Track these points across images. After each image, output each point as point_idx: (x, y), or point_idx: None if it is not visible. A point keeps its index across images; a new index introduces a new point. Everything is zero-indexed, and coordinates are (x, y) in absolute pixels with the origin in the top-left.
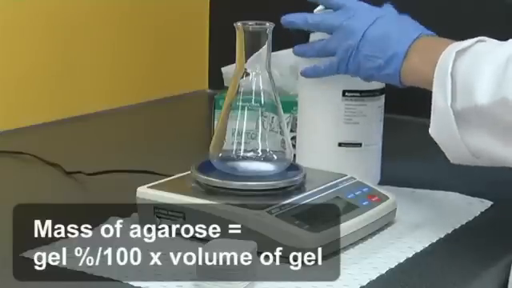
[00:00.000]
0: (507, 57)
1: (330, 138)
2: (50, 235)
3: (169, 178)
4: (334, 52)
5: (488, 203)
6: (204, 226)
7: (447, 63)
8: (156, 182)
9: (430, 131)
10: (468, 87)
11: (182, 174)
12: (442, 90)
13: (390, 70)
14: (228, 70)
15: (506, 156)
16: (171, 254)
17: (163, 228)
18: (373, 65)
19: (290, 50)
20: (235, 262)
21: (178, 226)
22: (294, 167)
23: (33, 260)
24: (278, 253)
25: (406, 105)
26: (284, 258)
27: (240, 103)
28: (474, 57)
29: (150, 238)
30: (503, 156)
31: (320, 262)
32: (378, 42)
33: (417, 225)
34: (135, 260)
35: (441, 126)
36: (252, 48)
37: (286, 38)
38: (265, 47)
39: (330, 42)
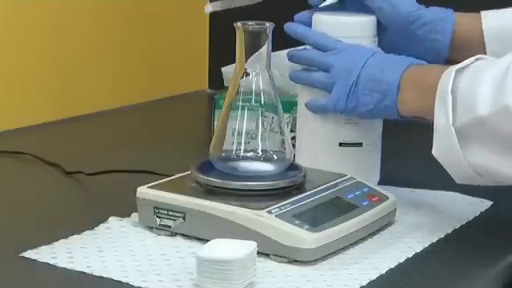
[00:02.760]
0: (507, 65)
1: (331, 138)
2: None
3: (169, 178)
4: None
5: (488, 203)
6: (204, 226)
7: (447, 82)
8: (156, 182)
9: (432, 152)
10: (468, 101)
11: (182, 174)
12: (443, 109)
13: (387, 101)
14: (228, 70)
15: (507, 172)
16: (171, 254)
17: (163, 228)
18: (370, 99)
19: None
20: (235, 262)
21: (177, 226)
22: (293, 167)
23: (33, 260)
24: (277, 253)
25: None
26: (284, 258)
27: (240, 103)
28: (473, 72)
29: (150, 237)
30: (505, 172)
31: (320, 262)
32: (373, 78)
33: (417, 225)
34: (135, 260)
35: (443, 146)
36: (252, 48)
37: (285, 38)
38: (265, 47)
39: (328, 77)
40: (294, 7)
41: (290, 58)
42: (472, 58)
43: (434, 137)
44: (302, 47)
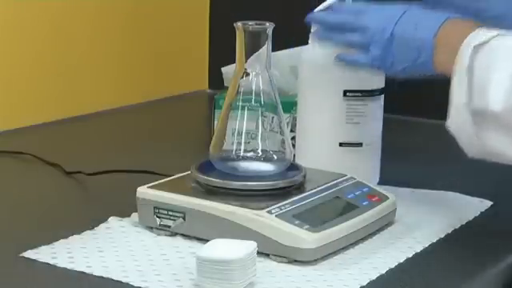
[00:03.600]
0: None
1: (331, 138)
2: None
3: (169, 178)
4: (362, 43)
5: (488, 203)
6: (204, 226)
7: (465, 58)
8: (156, 182)
9: (447, 123)
10: (483, 89)
11: (182, 174)
12: (460, 86)
13: (422, 58)
14: (228, 70)
15: None
16: (171, 254)
17: (163, 228)
18: (406, 57)
19: (289, 50)
20: (235, 262)
21: (177, 226)
22: (293, 167)
23: (33, 260)
24: (277, 253)
25: (406, 105)
26: (284, 258)
27: (240, 103)
28: (490, 53)
29: (150, 238)
30: None
31: (320, 262)
32: (406, 35)
33: (417, 225)
34: (135, 260)
35: (457, 121)
36: (252, 48)
37: (286, 38)
38: (265, 47)
39: (364, 37)
40: (293, 7)
41: (314, 20)
42: (494, 33)
43: (450, 109)
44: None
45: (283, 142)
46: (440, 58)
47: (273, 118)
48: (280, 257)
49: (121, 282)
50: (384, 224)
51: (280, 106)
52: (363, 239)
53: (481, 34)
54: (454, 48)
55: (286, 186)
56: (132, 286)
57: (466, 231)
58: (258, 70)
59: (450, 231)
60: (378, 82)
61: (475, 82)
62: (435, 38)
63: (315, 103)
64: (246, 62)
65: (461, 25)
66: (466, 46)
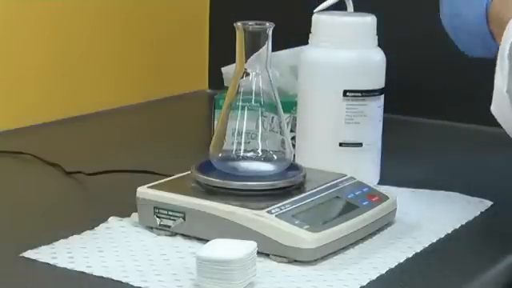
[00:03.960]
0: None
1: (331, 138)
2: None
3: (169, 178)
4: None
5: (488, 203)
6: (204, 226)
7: (506, 44)
8: (156, 182)
9: (491, 108)
10: None
11: (182, 174)
12: (501, 71)
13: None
14: (228, 70)
15: None
16: (171, 254)
17: (163, 228)
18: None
19: (289, 50)
20: (235, 262)
21: (177, 226)
22: (293, 167)
23: (33, 260)
24: (277, 253)
25: (406, 105)
26: (284, 258)
27: (240, 103)
28: None
29: (150, 237)
30: None
31: (320, 262)
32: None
33: (417, 225)
34: (135, 260)
35: (499, 106)
36: (252, 48)
37: (286, 38)
38: (265, 47)
39: None
40: (293, 7)
41: None
42: None
43: (494, 94)
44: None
45: (283, 142)
46: (495, 32)
47: (273, 118)
48: (280, 257)
49: (121, 282)
50: (384, 224)
51: (280, 106)
52: (363, 239)
53: None
54: (504, 25)
55: (285, 186)
56: (132, 286)
57: (466, 231)
58: (258, 70)
59: (450, 231)
60: (378, 82)
61: None
62: (487, 12)
63: (315, 103)
64: (245, 61)
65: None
66: (509, 29)
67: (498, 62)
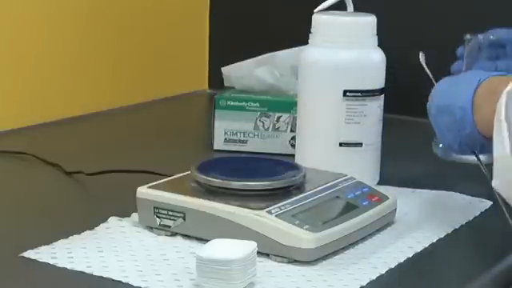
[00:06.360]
0: None
1: (331, 138)
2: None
3: (169, 178)
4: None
5: (488, 203)
6: (204, 226)
7: (501, 106)
8: (156, 182)
9: (492, 184)
10: None
11: (181, 174)
12: (499, 136)
13: (468, 129)
14: (228, 70)
15: None
16: (171, 254)
17: (163, 228)
18: (449, 118)
19: (289, 50)
20: (235, 262)
21: (177, 226)
22: (293, 167)
23: (33, 260)
24: (277, 253)
25: (406, 105)
26: (284, 258)
27: None
28: None
29: (150, 237)
30: None
31: (320, 262)
32: (444, 107)
33: (417, 225)
34: (135, 260)
35: (503, 177)
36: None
37: (286, 38)
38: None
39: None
40: (294, 7)
41: None
42: None
43: (494, 167)
44: None
45: None
46: (482, 118)
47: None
48: (280, 257)
49: (121, 282)
50: (384, 224)
51: None
52: (363, 239)
53: None
54: (492, 104)
55: (285, 185)
56: (132, 286)
57: (466, 231)
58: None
59: (450, 231)
60: (378, 82)
61: None
62: (474, 96)
63: (315, 103)
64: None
65: (499, 80)
66: (502, 95)
67: (495, 129)
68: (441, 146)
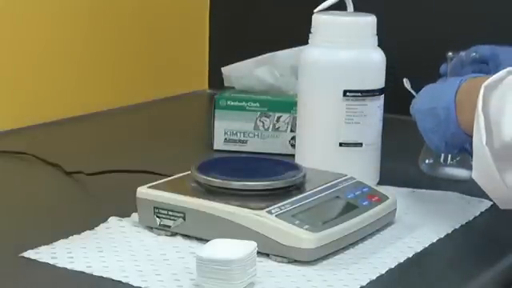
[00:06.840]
0: None
1: (331, 138)
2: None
3: (169, 178)
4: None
5: (488, 203)
6: (204, 226)
7: (479, 100)
8: (156, 182)
9: (472, 175)
10: (497, 124)
11: (181, 174)
12: (477, 128)
13: (452, 128)
14: (228, 70)
15: None
16: (171, 254)
17: (163, 228)
18: (433, 121)
19: (289, 50)
20: (235, 262)
21: (177, 226)
22: (293, 167)
23: (33, 260)
24: (277, 253)
25: (406, 105)
26: (284, 258)
27: None
28: (502, 91)
29: (150, 237)
30: None
31: (320, 262)
32: (428, 111)
33: (417, 225)
34: (135, 260)
35: (481, 168)
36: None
37: (286, 38)
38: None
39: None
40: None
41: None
42: (504, 71)
43: (473, 159)
44: None
45: None
46: (465, 119)
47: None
48: (280, 257)
49: (121, 282)
50: (384, 224)
51: None
52: (363, 239)
53: (494, 76)
54: (472, 104)
55: (285, 185)
56: (132, 286)
57: (465, 231)
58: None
59: (450, 231)
60: (378, 82)
61: (492, 119)
62: (456, 101)
63: (315, 103)
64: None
65: (477, 79)
66: (480, 89)
67: (475, 120)
68: (427, 162)
